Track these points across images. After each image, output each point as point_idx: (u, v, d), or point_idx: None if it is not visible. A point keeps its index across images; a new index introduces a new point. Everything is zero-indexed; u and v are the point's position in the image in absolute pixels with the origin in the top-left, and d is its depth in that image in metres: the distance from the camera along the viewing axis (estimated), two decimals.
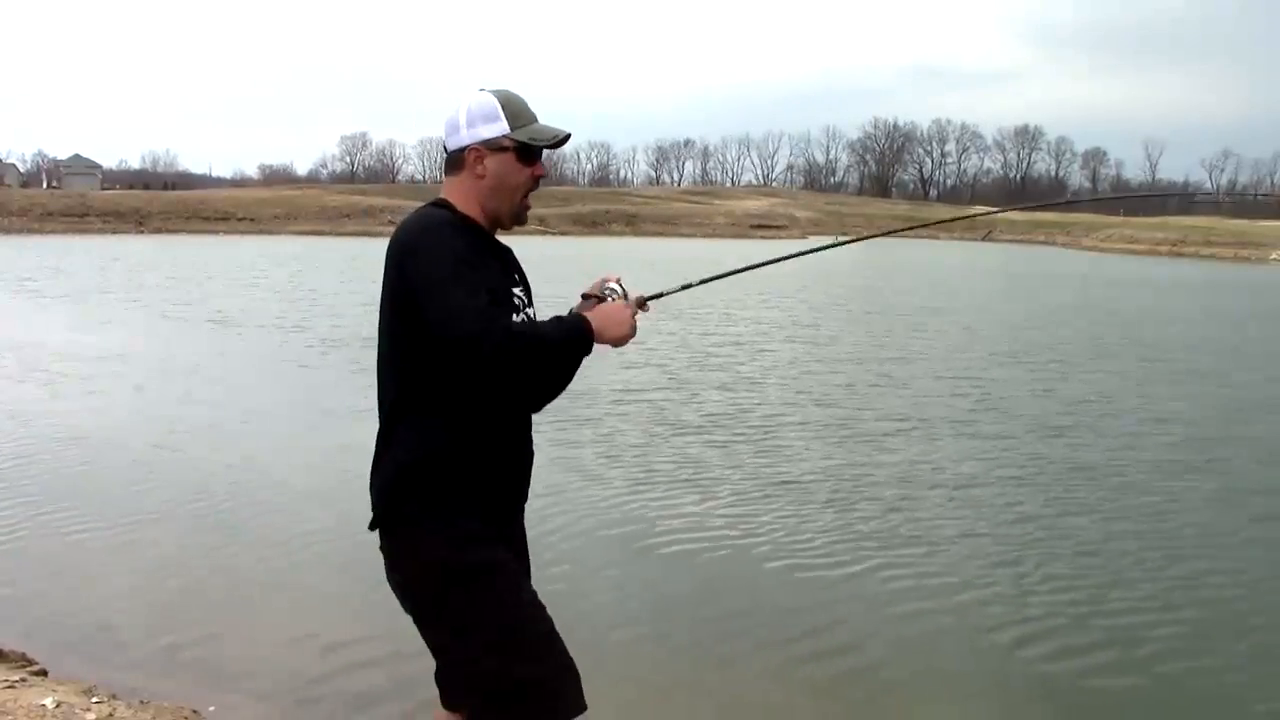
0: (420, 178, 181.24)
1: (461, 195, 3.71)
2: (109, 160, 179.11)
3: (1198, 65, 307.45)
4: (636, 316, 3.86)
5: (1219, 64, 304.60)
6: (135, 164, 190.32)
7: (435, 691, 3.90)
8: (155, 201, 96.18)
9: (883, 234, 6.32)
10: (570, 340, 3.60)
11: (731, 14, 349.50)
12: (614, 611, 8.08)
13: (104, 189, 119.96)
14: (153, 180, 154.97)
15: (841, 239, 4.81)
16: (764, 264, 4.65)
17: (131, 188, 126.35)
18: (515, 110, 3.70)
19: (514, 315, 3.67)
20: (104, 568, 8.78)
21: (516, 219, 3.79)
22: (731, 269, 4.52)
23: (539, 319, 3.80)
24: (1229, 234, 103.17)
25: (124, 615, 7.78)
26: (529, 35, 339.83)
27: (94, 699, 6.04)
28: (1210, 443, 14.72)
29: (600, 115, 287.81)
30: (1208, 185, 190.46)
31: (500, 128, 3.66)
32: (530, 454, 3.88)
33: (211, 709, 6.26)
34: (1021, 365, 21.86)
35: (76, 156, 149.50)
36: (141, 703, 6.14)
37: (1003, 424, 15.38)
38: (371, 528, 3.75)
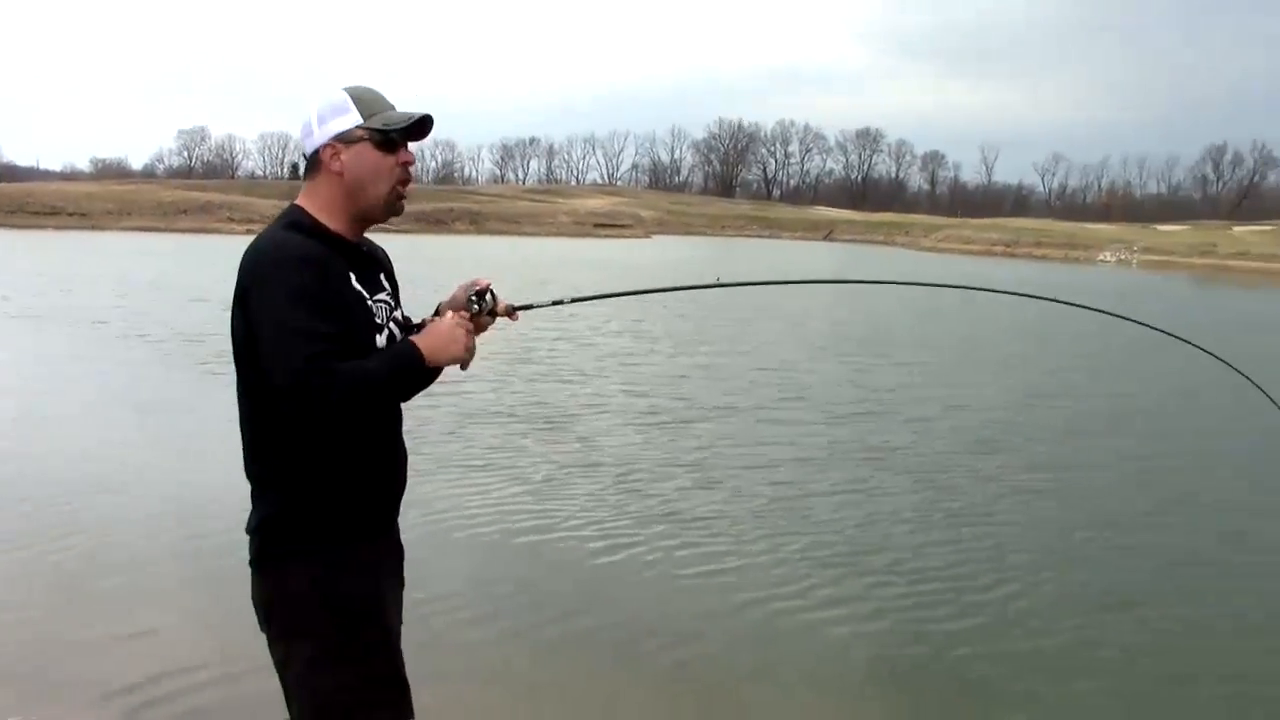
0: (261, 173, 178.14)
1: (323, 200, 3.59)
2: None
3: (1033, 74, 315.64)
4: (472, 332, 3.69)
5: (1052, 73, 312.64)
6: None
7: (273, 710, 3.87)
8: None
9: (781, 282, 5.66)
10: (400, 372, 3.46)
11: (578, 12, 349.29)
12: (454, 610, 7.99)
13: None
14: None
15: (722, 281, 4.81)
16: (645, 291, 4.55)
17: None
18: (367, 101, 3.60)
19: (378, 333, 3.56)
20: None
21: (390, 211, 3.66)
22: (611, 291, 4.46)
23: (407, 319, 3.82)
24: (1060, 236, 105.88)
25: None
26: (374, 32, 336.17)
27: None
28: (1010, 426, 15.94)
29: (445, 113, 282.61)
30: (1040, 188, 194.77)
31: (352, 119, 3.55)
32: (403, 455, 3.83)
33: None
34: (840, 358, 22.67)
35: None
36: None
37: (825, 417, 16.02)
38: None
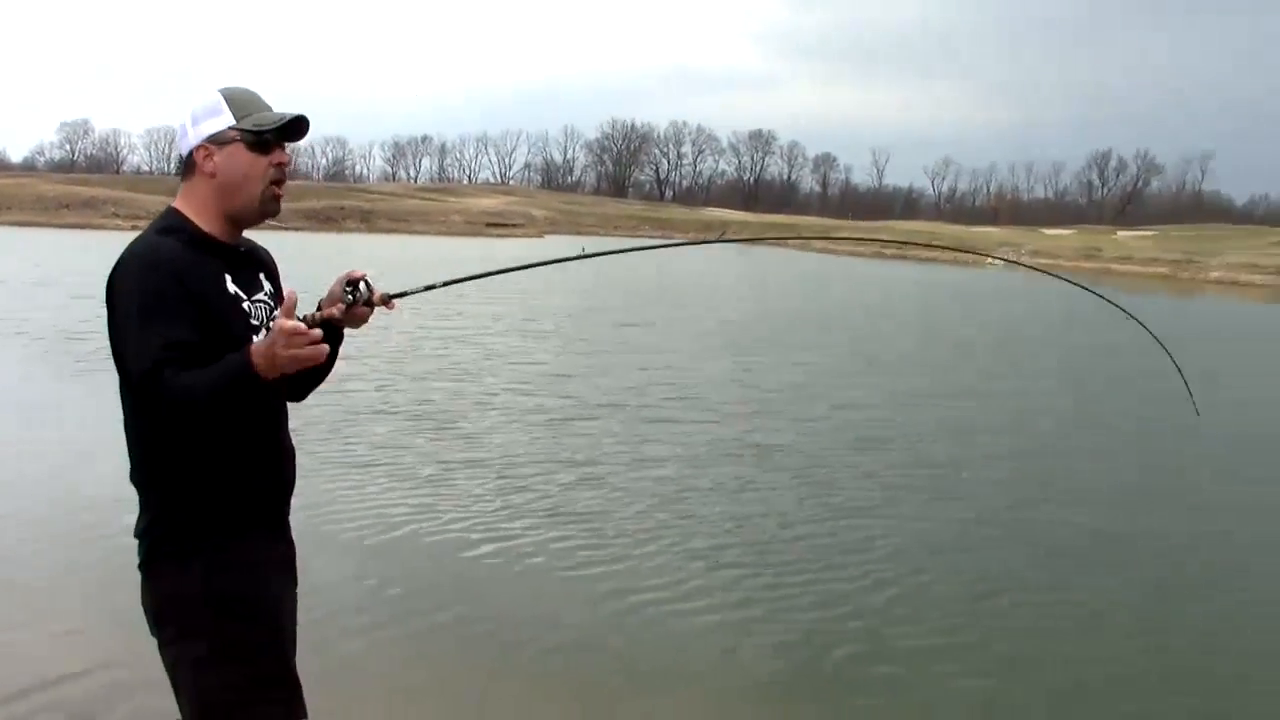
0: (147, 169, 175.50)
1: (197, 201, 3.58)
2: None
3: (924, 78, 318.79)
4: (370, 315, 3.64)
5: (944, 78, 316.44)
6: None
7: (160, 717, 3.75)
8: None
9: (626, 249, 5.64)
10: (227, 386, 3.24)
11: (472, 10, 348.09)
12: (337, 609, 7.80)
13: None
14: None
15: (587, 252, 4.75)
16: (512, 269, 4.43)
17: None
18: (240, 101, 3.57)
19: (255, 334, 3.51)
20: None
21: (264, 212, 3.63)
22: (477, 273, 4.23)
23: None
24: (949, 239, 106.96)
25: None
26: (263, 27, 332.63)
27: None
28: (891, 424, 16.20)
29: (336, 110, 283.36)
30: (930, 191, 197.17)
31: (225, 120, 3.53)
32: (288, 453, 3.81)
33: None
34: (731, 356, 22.57)
35: None
36: None
37: (710, 415, 16.08)
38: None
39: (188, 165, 3.59)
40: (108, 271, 3.42)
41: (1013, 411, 18.54)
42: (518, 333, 25.75)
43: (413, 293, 3.96)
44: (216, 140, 3.52)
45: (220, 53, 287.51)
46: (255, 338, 3.46)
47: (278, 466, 3.75)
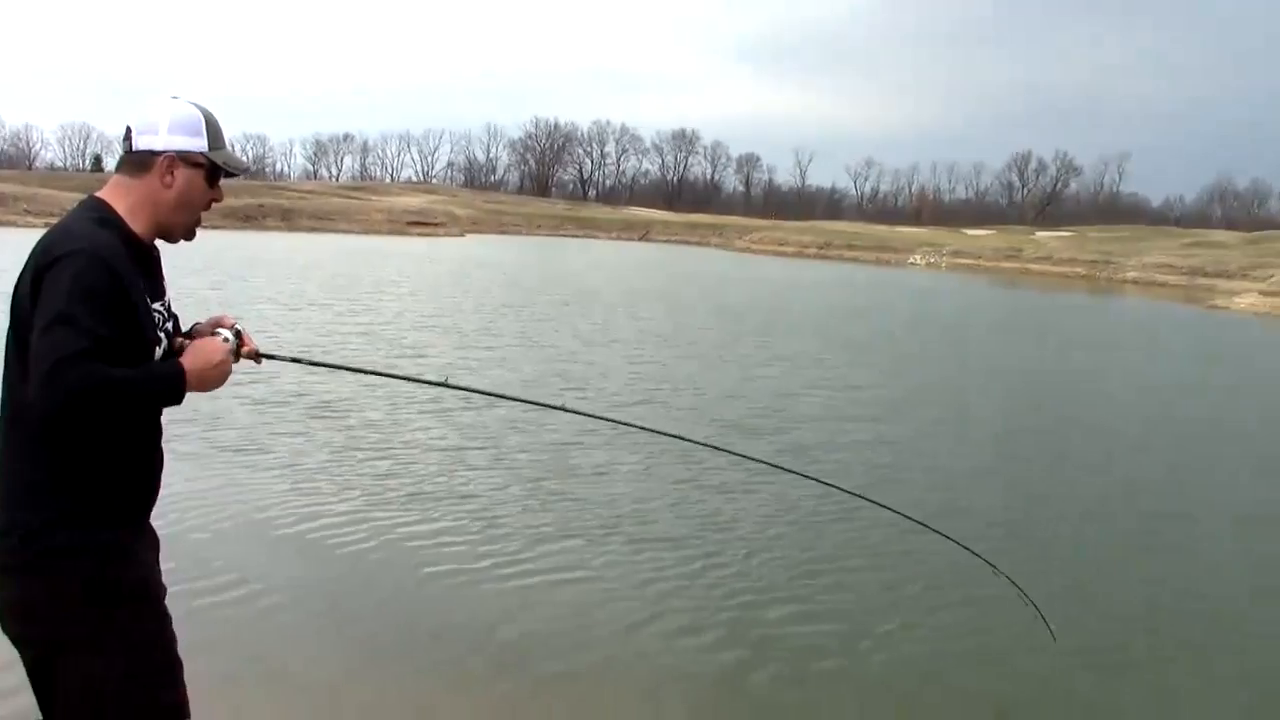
0: (61, 165, 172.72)
1: (134, 201, 3.59)
2: None
3: (847, 80, 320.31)
4: (234, 365, 3.77)
5: (866, 79, 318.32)
6: None
7: None
8: None
9: None
10: (154, 394, 3.48)
11: (394, 5, 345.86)
12: (270, 614, 7.83)
13: None
14: None
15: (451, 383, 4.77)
16: (378, 374, 4.72)
17: None
18: (215, 131, 3.68)
19: (157, 344, 3.61)
20: None
21: (188, 235, 3.74)
22: (352, 366, 4.74)
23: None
24: (872, 239, 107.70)
25: None
26: (182, 21, 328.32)
27: None
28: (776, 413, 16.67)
29: (256, 106, 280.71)
30: (853, 191, 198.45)
31: (200, 144, 3.62)
32: (161, 452, 3.79)
33: None
34: (624, 350, 22.75)
35: None
36: None
37: (608, 404, 16.08)
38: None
39: (140, 163, 3.60)
40: (13, 265, 3.42)
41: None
42: (425, 329, 25.62)
43: (281, 359, 4.24)
44: (185, 158, 3.60)
45: (138, 48, 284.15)
46: (158, 346, 3.61)
47: (155, 464, 3.76)
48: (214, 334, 3.77)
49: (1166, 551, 11.00)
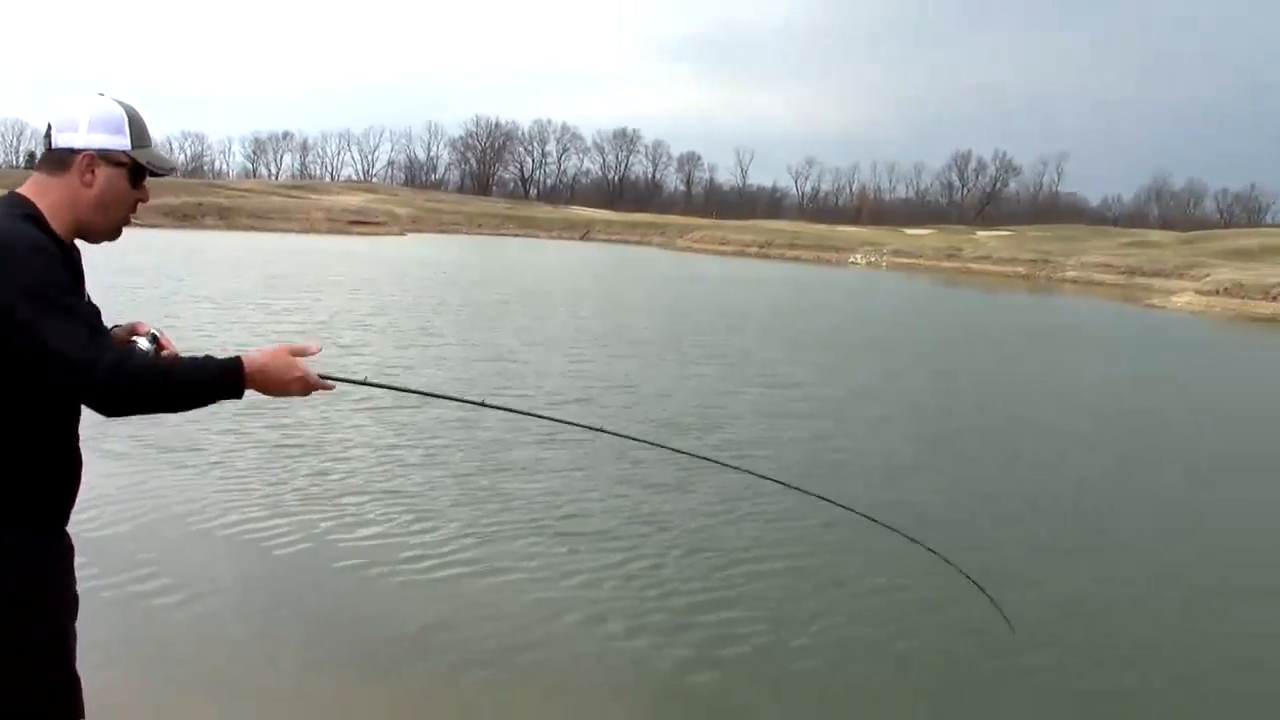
0: None
1: (54, 200, 3.45)
2: None
3: (788, 79, 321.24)
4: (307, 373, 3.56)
5: (807, 79, 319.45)
6: None
7: None
8: None
9: None
10: (206, 387, 3.37)
11: (333, 4, 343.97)
12: (192, 613, 7.73)
13: None
14: None
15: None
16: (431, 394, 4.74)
17: None
18: (139, 130, 3.54)
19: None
20: None
21: (111, 235, 3.60)
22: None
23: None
24: (812, 238, 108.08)
25: None
26: (120, 18, 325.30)
27: None
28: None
29: (194, 103, 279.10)
30: (794, 191, 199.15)
31: (122, 143, 3.48)
32: (80, 455, 3.63)
33: None
34: (564, 350, 22.85)
35: None
36: None
37: (544, 401, 16.14)
38: None
39: (59, 161, 3.48)
40: None
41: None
42: (361, 327, 25.53)
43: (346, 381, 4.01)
44: (106, 157, 3.47)
45: (75, 44, 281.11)
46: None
47: (72, 467, 3.59)
48: (131, 341, 3.64)
49: (1113, 545, 11.10)
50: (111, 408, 3.30)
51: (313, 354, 3.59)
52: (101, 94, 3.55)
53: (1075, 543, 11.11)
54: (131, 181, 3.54)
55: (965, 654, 7.99)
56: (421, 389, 4.51)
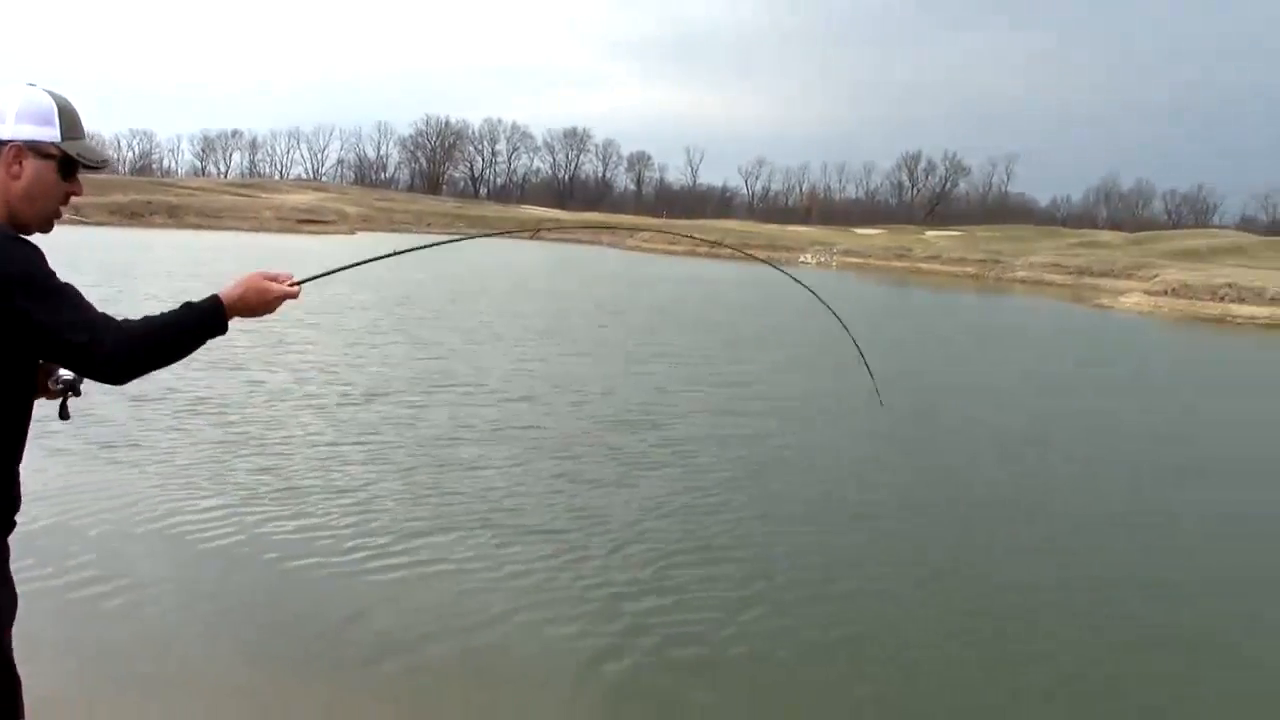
0: None
1: None
2: None
3: (738, 79, 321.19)
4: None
5: (757, 79, 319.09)
6: None
7: None
8: None
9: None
10: (197, 330, 3.56)
11: (283, 2, 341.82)
12: (131, 611, 7.75)
13: None
14: None
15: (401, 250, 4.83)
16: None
17: None
18: (70, 121, 3.51)
19: None
20: None
21: (42, 228, 3.55)
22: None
23: None
24: (763, 238, 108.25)
25: None
26: (66, 13, 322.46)
27: None
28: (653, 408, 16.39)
29: (142, 101, 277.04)
30: (744, 190, 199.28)
31: (51, 134, 3.46)
32: (17, 468, 3.63)
33: None
34: (509, 346, 22.81)
35: None
36: None
37: (487, 397, 16.32)
38: None
39: None
40: None
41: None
42: (305, 323, 25.23)
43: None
44: (35, 148, 3.45)
45: (21, 40, 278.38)
46: None
47: (13, 475, 3.58)
48: (52, 375, 3.74)
49: (1054, 540, 11.30)
50: (122, 377, 3.42)
51: (284, 280, 3.83)
52: (32, 84, 3.52)
53: (1003, 534, 11.32)
54: (62, 174, 3.51)
55: (897, 641, 8.17)
56: (354, 261, 4.67)
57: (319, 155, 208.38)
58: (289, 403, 15.09)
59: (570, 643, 7.74)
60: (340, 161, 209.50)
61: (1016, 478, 14.28)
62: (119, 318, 3.42)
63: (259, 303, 3.72)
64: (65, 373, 3.73)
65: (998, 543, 11.11)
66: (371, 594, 8.35)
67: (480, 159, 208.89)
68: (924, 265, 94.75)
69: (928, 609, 8.90)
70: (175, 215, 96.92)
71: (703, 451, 14.05)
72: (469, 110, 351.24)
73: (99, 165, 3.65)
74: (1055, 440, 17.06)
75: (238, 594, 8.25)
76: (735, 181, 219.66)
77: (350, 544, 9.43)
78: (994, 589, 9.60)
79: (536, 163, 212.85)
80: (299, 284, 3.89)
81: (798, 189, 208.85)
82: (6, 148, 3.42)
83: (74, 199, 3.66)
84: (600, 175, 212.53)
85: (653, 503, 11.33)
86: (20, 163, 3.43)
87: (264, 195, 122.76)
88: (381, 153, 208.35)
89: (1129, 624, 9.02)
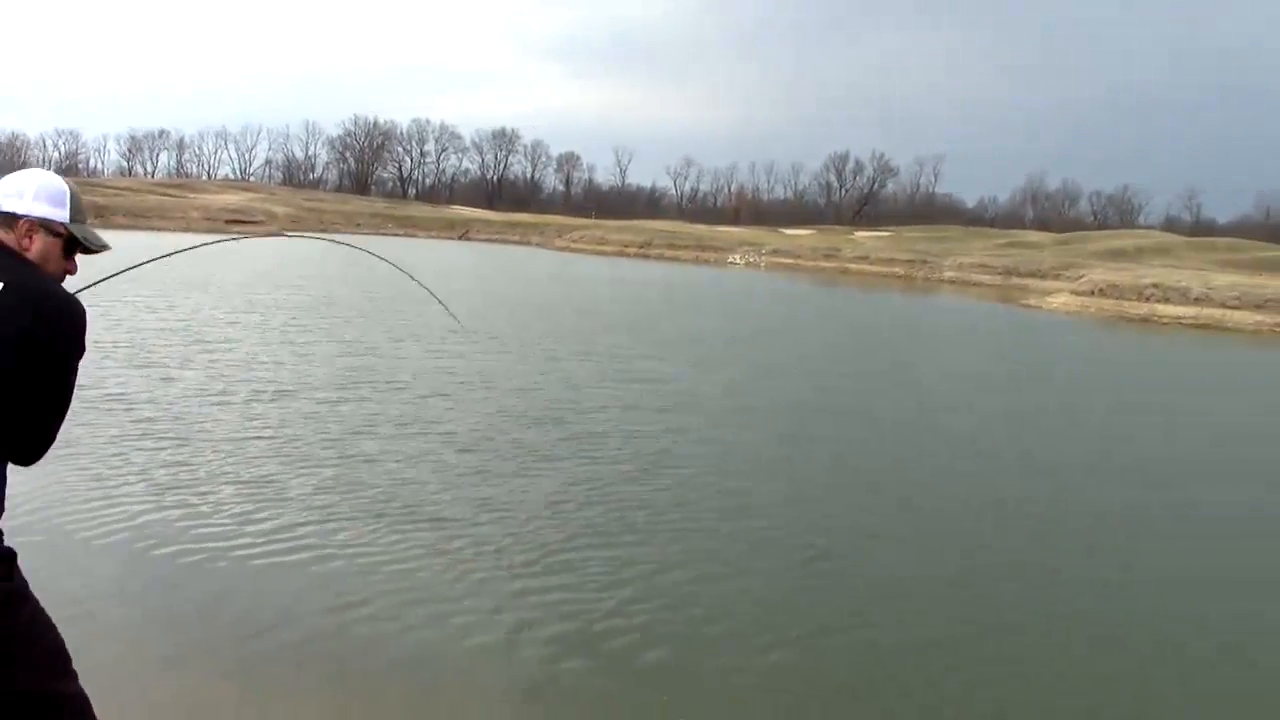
0: None
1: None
2: None
3: (667, 79, 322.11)
4: None
5: (686, 79, 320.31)
6: None
7: None
8: None
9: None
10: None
11: (211, 1, 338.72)
12: (68, 618, 7.58)
13: None
14: None
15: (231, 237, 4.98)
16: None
17: None
18: (78, 206, 3.95)
19: None
20: None
21: None
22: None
23: None
24: (691, 238, 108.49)
25: None
26: None
27: None
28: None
29: (69, 101, 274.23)
30: (673, 190, 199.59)
31: (61, 215, 3.88)
32: None
33: None
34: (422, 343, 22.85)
35: None
36: None
37: (395, 393, 16.33)
38: None
39: (3, 222, 3.83)
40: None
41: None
42: (227, 322, 24.99)
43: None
44: (46, 226, 3.85)
45: None
46: None
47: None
48: None
49: (982, 537, 11.37)
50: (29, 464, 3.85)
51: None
52: (50, 172, 3.99)
53: (899, 528, 11.46)
54: (65, 252, 3.91)
55: (799, 633, 8.20)
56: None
57: (247, 155, 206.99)
58: (200, 399, 15.05)
59: (466, 634, 7.75)
60: (268, 162, 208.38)
61: (900, 464, 14.61)
62: None
63: None
64: None
65: (881, 529, 11.25)
66: (259, 585, 8.36)
67: (409, 159, 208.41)
68: (853, 266, 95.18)
69: (810, 597, 9.00)
70: (102, 215, 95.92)
71: (621, 445, 14.13)
72: (397, 111, 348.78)
73: (99, 250, 4.05)
74: (952, 433, 17.24)
75: (148, 591, 8.18)
76: (664, 182, 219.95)
77: (242, 535, 9.47)
78: (872, 580, 9.68)
79: (465, 163, 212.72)
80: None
81: (726, 189, 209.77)
82: (22, 221, 3.82)
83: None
84: (529, 176, 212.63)
85: (559, 495, 11.39)
86: (31, 237, 3.83)
87: (191, 195, 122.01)
88: (310, 153, 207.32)
89: (1005, 611, 9.19)
